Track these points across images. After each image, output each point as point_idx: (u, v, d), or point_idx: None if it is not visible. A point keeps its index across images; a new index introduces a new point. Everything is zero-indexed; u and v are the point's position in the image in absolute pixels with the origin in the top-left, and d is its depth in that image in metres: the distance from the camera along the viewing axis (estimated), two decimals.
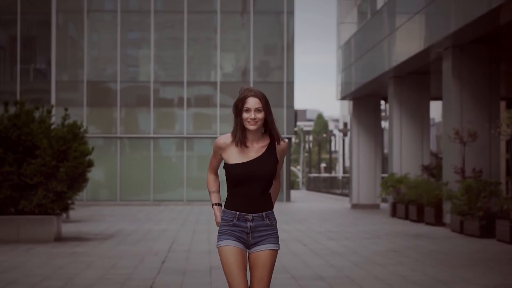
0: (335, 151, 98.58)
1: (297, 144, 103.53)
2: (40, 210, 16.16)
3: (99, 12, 37.86)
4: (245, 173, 5.07)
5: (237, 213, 5.13)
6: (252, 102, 5.07)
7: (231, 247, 5.11)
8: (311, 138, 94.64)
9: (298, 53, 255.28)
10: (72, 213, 24.97)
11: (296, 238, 16.83)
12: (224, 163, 5.17)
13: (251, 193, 5.11)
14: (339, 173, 76.12)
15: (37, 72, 38.53)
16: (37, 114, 17.00)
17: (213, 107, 37.57)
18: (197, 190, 36.91)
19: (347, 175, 46.73)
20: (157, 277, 10.59)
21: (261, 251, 5.16)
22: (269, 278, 5.18)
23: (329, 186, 55.95)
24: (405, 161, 25.60)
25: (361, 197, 31.76)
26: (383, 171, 37.14)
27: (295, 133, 51.95)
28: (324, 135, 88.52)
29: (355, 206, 31.66)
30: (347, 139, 62.91)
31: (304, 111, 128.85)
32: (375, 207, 31.50)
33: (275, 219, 5.24)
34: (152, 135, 37.26)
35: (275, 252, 5.18)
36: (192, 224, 21.85)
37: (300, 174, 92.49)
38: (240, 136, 5.09)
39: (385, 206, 31.42)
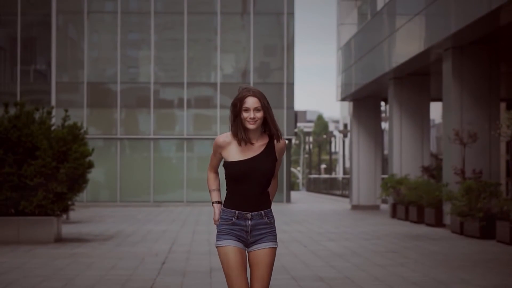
0: (335, 152, 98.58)
1: (297, 145, 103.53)
2: (40, 211, 16.16)
3: (99, 13, 37.87)
4: (244, 171, 5.12)
5: (237, 211, 5.18)
6: (251, 102, 5.12)
7: (232, 247, 5.14)
8: (311, 139, 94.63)
9: (298, 54, 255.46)
10: (72, 214, 24.98)
11: (296, 239, 16.83)
12: (224, 161, 5.22)
13: (250, 192, 5.15)
14: (339, 174, 76.12)
15: (37, 73, 38.54)
16: (37, 115, 17.01)
17: (213, 108, 37.58)
18: (197, 191, 36.91)
19: (347, 176, 46.73)
20: (157, 278, 10.59)
21: (261, 250, 5.20)
22: (269, 276, 5.22)
23: (329, 187, 55.93)
24: (405, 162, 25.60)
25: (361, 198, 31.76)
26: (383, 172, 37.13)
27: (295, 134, 51.95)
28: (324, 136, 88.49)
29: (355, 207, 31.66)
30: (347, 140, 62.92)
31: (304, 112, 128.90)
32: (375, 208, 31.50)
33: (273, 217, 5.29)
34: (152, 136, 37.27)
35: (274, 250, 5.23)
36: (192, 225, 21.85)
37: (300, 175, 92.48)
38: (244, 135, 5.13)
39: (385, 207, 31.42)
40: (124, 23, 37.47)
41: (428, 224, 21.14)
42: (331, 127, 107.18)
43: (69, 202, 16.82)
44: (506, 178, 29.61)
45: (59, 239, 16.53)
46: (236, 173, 5.13)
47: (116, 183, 37.03)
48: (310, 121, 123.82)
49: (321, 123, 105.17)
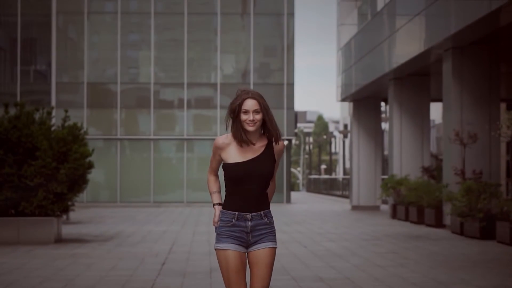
0: (335, 153, 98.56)
1: (297, 146, 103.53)
2: (40, 211, 16.15)
3: (99, 13, 37.87)
4: (244, 172, 5.16)
5: (236, 213, 5.21)
6: (250, 104, 5.15)
7: (232, 251, 5.19)
8: (311, 139, 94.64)
9: (298, 54, 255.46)
10: (72, 215, 24.97)
11: (296, 240, 16.83)
12: (223, 163, 5.25)
13: (250, 193, 5.19)
14: (339, 174, 76.11)
15: (37, 74, 38.54)
16: (37, 116, 17.00)
17: (213, 108, 37.58)
18: (197, 192, 36.91)
19: (347, 176, 46.73)
20: (157, 279, 10.59)
21: (261, 250, 5.24)
22: (269, 276, 5.25)
23: (329, 187, 55.92)
24: (405, 163, 25.60)
25: (361, 198, 31.76)
26: (383, 173, 37.14)
27: (295, 134, 51.95)
28: (324, 136, 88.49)
29: (355, 208, 31.66)
30: (347, 141, 62.91)
31: (304, 113, 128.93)
32: (375, 208, 31.50)
33: (272, 217, 5.33)
34: (152, 136, 37.27)
35: (274, 250, 5.27)
36: (192, 225, 21.85)
37: (300, 176, 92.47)
38: (244, 137, 5.16)
39: (385, 207, 31.41)
40: (124, 24, 37.48)
41: (428, 225, 21.14)
42: (331, 127, 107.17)
43: (69, 203, 16.82)
44: (506, 178, 29.61)
45: (59, 240, 16.53)
46: (235, 175, 5.16)
47: (116, 183, 37.03)
48: (310, 122, 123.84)
49: (321, 124, 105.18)
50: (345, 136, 60.79)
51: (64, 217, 22.40)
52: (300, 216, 26.60)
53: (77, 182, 16.67)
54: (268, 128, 5.22)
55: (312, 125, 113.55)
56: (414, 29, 21.98)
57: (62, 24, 37.62)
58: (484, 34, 18.26)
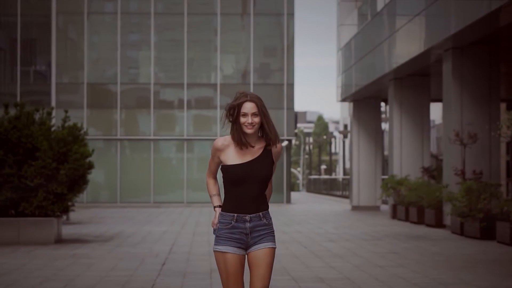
0: (336, 153, 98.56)
1: (298, 146, 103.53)
2: (40, 212, 16.15)
3: (99, 14, 37.88)
4: (243, 174, 5.21)
5: (235, 215, 5.27)
6: (249, 107, 5.21)
7: (231, 254, 5.24)
8: (311, 140, 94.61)
9: (298, 54, 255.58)
10: (72, 215, 24.97)
11: (296, 240, 16.83)
12: (222, 165, 5.30)
13: (248, 194, 5.24)
14: (339, 175, 76.10)
15: (37, 74, 38.54)
16: (37, 116, 17.00)
17: (213, 109, 37.59)
18: (197, 192, 36.90)
19: (347, 177, 46.72)
20: (157, 279, 10.59)
21: (261, 250, 5.28)
22: (269, 276, 5.29)
23: (330, 188, 55.92)
24: (406, 163, 25.60)
25: (362, 199, 31.75)
26: (383, 173, 37.13)
27: (295, 135, 51.94)
28: (325, 137, 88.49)
29: (355, 208, 31.66)
30: (347, 141, 62.91)
31: (304, 113, 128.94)
32: (375, 209, 31.50)
33: (271, 218, 5.39)
34: (152, 137, 37.27)
35: (273, 250, 5.32)
36: (192, 226, 21.85)
37: (300, 176, 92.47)
38: (244, 139, 5.21)
39: (386, 208, 31.41)
40: (124, 24, 37.48)
41: (428, 225, 21.14)
42: (331, 127, 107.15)
43: (69, 203, 16.82)
44: (506, 179, 29.62)
45: (59, 240, 16.53)
46: (235, 176, 5.22)
47: (116, 184, 37.03)
48: (310, 122, 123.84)
49: (321, 124, 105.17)
50: (345, 136, 60.78)
51: (64, 217, 22.39)
52: (300, 216, 26.60)
53: (77, 183, 16.67)
54: (266, 131, 5.26)
55: (312, 125, 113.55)
56: (414, 29, 21.98)
57: (62, 24, 37.62)
58: (484, 34, 18.26)
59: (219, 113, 37.30)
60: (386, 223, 23.13)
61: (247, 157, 5.24)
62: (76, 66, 37.35)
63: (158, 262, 12.54)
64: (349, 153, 44.26)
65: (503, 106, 29.22)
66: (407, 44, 22.99)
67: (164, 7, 37.90)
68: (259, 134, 5.30)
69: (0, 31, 37.93)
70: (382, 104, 33.39)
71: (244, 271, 5.36)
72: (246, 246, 5.27)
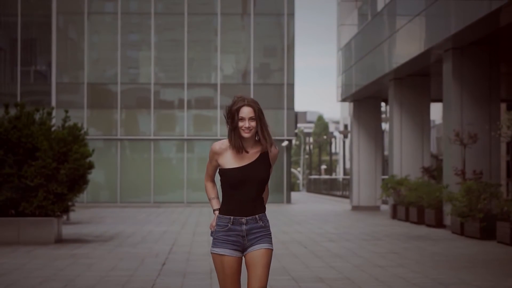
0: (336, 153, 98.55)
1: (298, 146, 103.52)
2: (41, 212, 16.16)
3: (100, 14, 37.88)
4: (241, 177, 5.28)
5: (232, 217, 5.33)
6: (246, 112, 5.27)
7: (228, 257, 5.31)
8: (311, 140, 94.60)
9: (298, 54, 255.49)
10: (73, 215, 24.97)
11: (296, 240, 16.83)
12: (220, 169, 5.37)
13: (245, 197, 5.31)
14: (339, 175, 76.11)
15: (37, 74, 38.54)
16: (37, 116, 17.01)
17: (214, 109, 37.59)
18: (197, 192, 36.90)
19: (347, 177, 46.72)
20: (158, 279, 10.59)
21: (257, 251, 5.33)
22: (266, 276, 5.34)
23: (330, 188, 55.92)
24: (406, 163, 25.60)
25: (362, 199, 31.76)
26: (384, 173, 37.13)
27: (296, 135, 51.96)
28: (325, 137, 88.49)
29: (355, 208, 31.66)
30: (347, 141, 62.90)
31: (304, 113, 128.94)
32: (375, 209, 31.50)
33: (267, 220, 5.44)
34: (152, 137, 37.27)
35: (270, 251, 5.36)
36: (192, 226, 21.85)
37: (300, 176, 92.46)
38: (240, 143, 5.27)
39: (386, 208, 31.41)
40: (124, 24, 37.48)
41: (429, 225, 21.14)
42: (332, 128, 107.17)
43: (69, 203, 16.82)
44: (506, 179, 29.61)
45: (59, 240, 16.53)
46: (233, 180, 5.28)
47: (116, 184, 37.03)
48: (310, 122, 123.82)
49: (321, 124, 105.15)
50: (345, 136, 60.79)
51: (64, 217, 22.39)
52: (300, 217, 26.60)
53: (77, 183, 16.67)
54: (262, 136, 5.31)
55: (312, 125, 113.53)
56: (414, 30, 21.99)
57: (62, 24, 37.62)
58: (484, 34, 18.26)
59: (219, 113, 37.31)
60: (386, 223, 23.13)
61: (245, 161, 5.30)
62: (76, 66, 37.35)
63: (158, 262, 12.54)
64: (349, 153, 44.27)
65: (503, 106, 29.22)
66: (407, 44, 22.99)
67: (164, 7, 37.90)
68: (256, 138, 5.34)
69: (0, 31, 37.94)
70: (382, 104, 33.39)
71: (242, 273, 5.38)
72: (242, 248, 5.33)
